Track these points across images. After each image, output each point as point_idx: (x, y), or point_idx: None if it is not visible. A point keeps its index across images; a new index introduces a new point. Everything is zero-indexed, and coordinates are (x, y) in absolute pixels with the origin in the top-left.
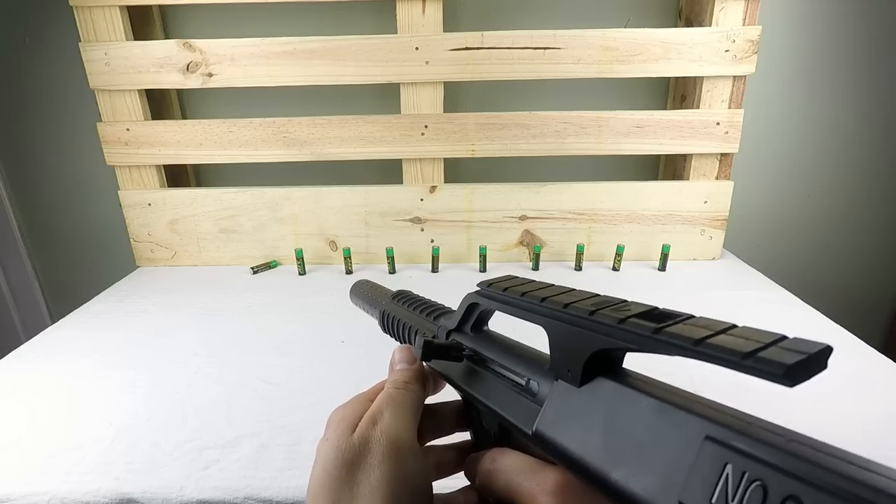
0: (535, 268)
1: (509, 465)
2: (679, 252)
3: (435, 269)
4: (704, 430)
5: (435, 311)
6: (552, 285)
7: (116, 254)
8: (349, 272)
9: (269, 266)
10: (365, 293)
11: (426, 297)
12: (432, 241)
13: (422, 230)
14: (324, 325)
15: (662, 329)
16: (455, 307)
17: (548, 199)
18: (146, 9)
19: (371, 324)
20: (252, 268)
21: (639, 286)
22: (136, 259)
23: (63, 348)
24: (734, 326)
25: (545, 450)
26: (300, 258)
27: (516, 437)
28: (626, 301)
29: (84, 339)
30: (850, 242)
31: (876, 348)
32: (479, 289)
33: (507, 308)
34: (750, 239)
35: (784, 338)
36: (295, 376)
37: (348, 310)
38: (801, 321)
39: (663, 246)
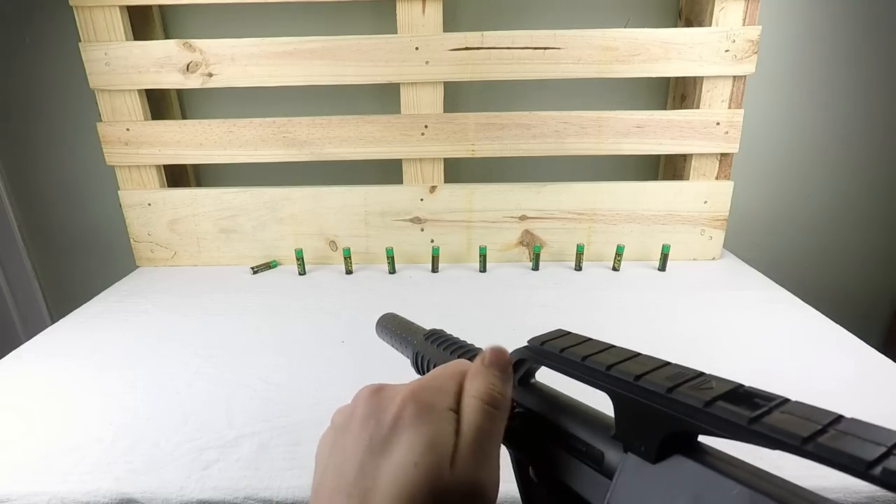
0: (535, 268)
1: None
2: (679, 252)
3: (435, 269)
4: None
5: (473, 354)
6: (614, 346)
7: (116, 254)
8: (349, 272)
9: (269, 266)
10: (394, 329)
11: (461, 339)
12: (432, 241)
13: (422, 230)
14: (324, 325)
15: (759, 419)
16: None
17: (548, 199)
18: (146, 9)
19: (370, 324)
20: (252, 268)
21: (639, 286)
22: (136, 259)
23: (63, 348)
24: (841, 418)
25: None
26: (300, 258)
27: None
28: (703, 374)
29: (84, 340)
30: (849, 242)
31: (876, 348)
32: (529, 345)
33: (564, 370)
34: (750, 239)
35: None
36: (295, 376)
37: (348, 310)
38: (801, 321)
39: (663, 246)
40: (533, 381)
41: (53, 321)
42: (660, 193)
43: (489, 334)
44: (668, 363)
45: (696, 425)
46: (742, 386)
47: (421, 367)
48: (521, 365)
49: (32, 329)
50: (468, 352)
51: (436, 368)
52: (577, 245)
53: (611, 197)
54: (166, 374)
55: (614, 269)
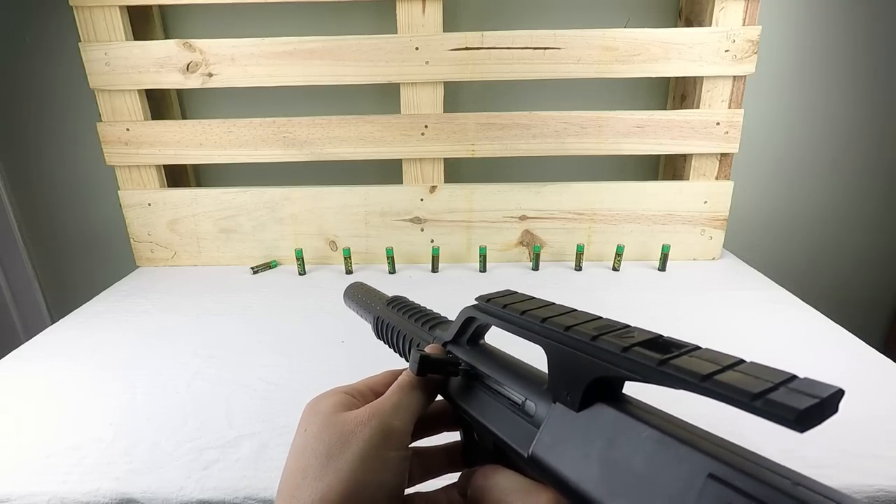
0: (535, 268)
1: (502, 484)
2: (679, 252)
3: (435, 270)
4: (708, 468)
5: (430, 320)
6: (553, 304)
7: (116, 254)
8: (349, 272)
9: (269, 266)
10: (359, 297)
11: (421, 305)
12: (432, 241)
13: (422, 230)
14: (324, 325)
15: (668, 361)
16: (453, 313)
17: (548, 199)
18: (146, 9)
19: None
20: (252, 268)
21: (639, 286)
22: (136, 259)
23: (63, 348)
24: (742, 362)
25: (540, 474)
26: (300, 258)
27: (511, 457)
28: (629, 326)
29: (84, 339)
30: (849, 242)
31: (876, 348)
32: (477, 303)
33: (506, 325)
34: (750, 239)
35: (794, 377)
36: (295, 376)
37: (348, 310)
38: (801, 321)
39: (663, 246)
40: (482, 342)
41: (53, 321)
42: (660, 193)
43: (489, 334)
44: (599, 318)
45: (615, 370)
46: (661, 336)
47: (382, 333)
48: (470, 323)
49: (32, 329)
50: (429, 319)
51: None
52: (577, 245)
53: (611, 197)
54: (166, 374)
55: (614, 269)
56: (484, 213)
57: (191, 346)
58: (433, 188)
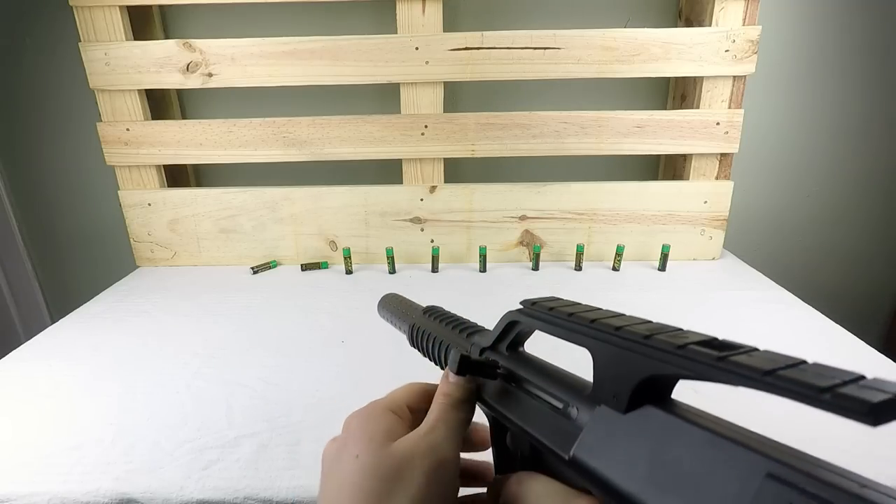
0: (535, 268)
1: (538, 490)
2: (679, 252)
3: (435, 269)
4: (766, 468)
5: (468, 328)
6: (600, 308)
7: (116, 254)
8: (349, 272)
9: (269, 266)
10: (394, 307)
11: (458, 315)
12: (432, 241)
13: (422, 230)
14: (324, 325)
15: (727, 358)
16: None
17: (548, 199)
18: (146, 9)
19: (371, 324)
20: (252, 268)
21: (639, 286)
22: (136, 259)
23: (63, 348)
24: (804, 362)
25: (581, 476)
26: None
27: (547, 462)
28: (681, 329)
29: (84, 340)
30: (849, 242)
31: (876, 348)
32: (521, 307)
33: (551, 328)
34: (750, 239)
35: (863, 377)
36: (295, 376)
37: (348, 310)
38: (801, 321)
39: (663, 246)
40: (521, 349)
41: (53, 321)
42: (660, 193)
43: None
44: (650, 321)
45: (669, 367)
46: (717, 338)
47: (417, 341)
48: (512, 328)
49: (32, 329)
50: (466, 327)
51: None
52: (577, 245)
53: (611, 197)
54: (166, 374)
55: (614, 269)
56: (484, 213)
57: (191, 346)
58: (433, 188)
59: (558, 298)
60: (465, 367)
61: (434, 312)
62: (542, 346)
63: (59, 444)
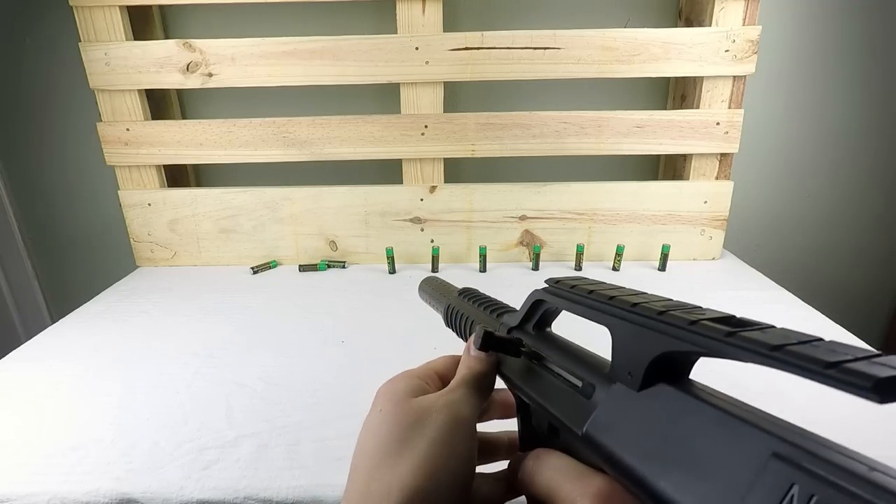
0: (535, 268)
1: (553, 465)
2: (679, 252)
3: (435, 270)
4: (772, 447)
5: (499, 308)
6: (622, 287)
7: (116, 254)
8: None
9: (269, 266)
10: (433, 289)
11: (492, 297)
12: (432, 241)
13: (422, 230)
14: (324, 325)
15: (737, 333)
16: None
17: (548, 199)
18: (146, 9)
19: (371, 324)
20: (252, 268)
21: (639, 286)
22: (136, 259)
23: (63, 348)
24: (820, 339)
25: (593, 452)
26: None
27: (565, 439)
28: (699, 306)
29: (84, 340)
30: (849, 242)
31: (876, 348)
32: (546, 285)
33: (572, 306)
34: (750, 239)
35: (879, 354)
36: (295, 376)
37: (348, 310)
38: (801, 321)
39: (663, 246)
40: (548, 329)
41: (53, 321)
42: (660, 193)
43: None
44: (669, 299)
45: (681, 343)
46: (734, 316)
47: (452, 320)
48: (538, 307)
49: (32, 329)
50: (498, 307)
51: None
52: (577, 245)
53: (611, 197)
54: (166, 374)
55: (614, 269)
56: (484, 213)
57: (191, 346)
58: (433, 188)
59: (582, 277)
60: (488, 342)
61: (469, 294)
62: (575, 327)
63: (59, 444)
